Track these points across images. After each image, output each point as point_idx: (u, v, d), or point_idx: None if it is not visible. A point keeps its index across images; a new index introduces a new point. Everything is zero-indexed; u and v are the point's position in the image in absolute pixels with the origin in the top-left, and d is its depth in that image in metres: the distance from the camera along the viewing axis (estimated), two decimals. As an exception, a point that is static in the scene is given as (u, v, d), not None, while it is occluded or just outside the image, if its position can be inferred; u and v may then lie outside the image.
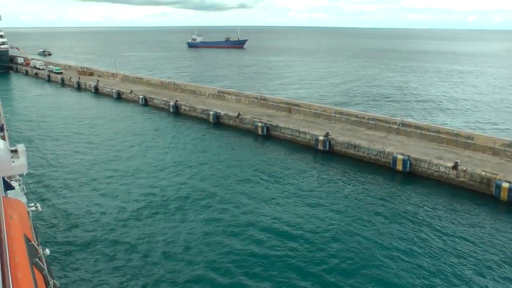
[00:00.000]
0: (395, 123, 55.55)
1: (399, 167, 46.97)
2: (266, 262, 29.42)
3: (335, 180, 45.37)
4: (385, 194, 41.11)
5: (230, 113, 68.16)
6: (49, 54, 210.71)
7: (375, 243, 31.81)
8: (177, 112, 77.92)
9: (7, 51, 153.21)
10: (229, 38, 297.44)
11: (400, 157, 47.00)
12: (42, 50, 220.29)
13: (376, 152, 49.95)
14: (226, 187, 43.48)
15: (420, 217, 36.18)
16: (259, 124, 62.09)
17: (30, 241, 14.53)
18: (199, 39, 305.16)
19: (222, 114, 69.37)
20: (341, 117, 61.12)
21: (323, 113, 63.50)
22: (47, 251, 17.38)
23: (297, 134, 58.04)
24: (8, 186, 20.92)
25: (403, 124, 54.68)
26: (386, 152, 49.01)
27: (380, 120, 57.26)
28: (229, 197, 40.85)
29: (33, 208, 21.55)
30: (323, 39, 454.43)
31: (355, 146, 51.93)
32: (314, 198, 40.29)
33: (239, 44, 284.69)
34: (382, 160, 49.29)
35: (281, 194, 41.32)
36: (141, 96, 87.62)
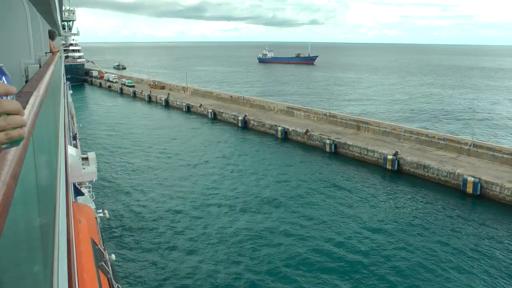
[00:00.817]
0: (466, 143, 53.90)
1: (469, 189, 45.41)
2: (327, 276, 29.21)
3: (403, 200, 44.49)
4: (454, 219, 39.74)
5: (298, 129, 68.19)
6: (124, 68, 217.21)
7: (440, 275, 30.76)
8: (245, 126, 78.67)
9: (83, 64, 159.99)
10: (299, 54, 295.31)
11: (470, 179, 45.50)
12: (117, 64, 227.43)
13: (445, 174, 48.61)
14: (292, 200, 43.73)
15: (491, 247, 34.68)
16: (327, 141, 61.78)
17: (97, 245, 14.95)
18: (270, 55, 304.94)
19: (290, 130, 69.48)
20: (411, 136, 59.86)
21: (392, 131, 62.45)
22: (113, 256, 17.92)
23: (365, 152, 57.32)
24: (78, 192, 21.70)
25: (475, 145, 52.99)
26: (456, 173, 47.60)
27: (451, 140, 55.65)
28: (295, 210, 41.03)
29: (101, 215, 22.31)
30: (394, 55, 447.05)
31: (424, 167, 50.74)
32: (381, 217, 39.67)
33: (309, 60, 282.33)
34: (452, 181, 47.87)
35: (348, 212, 40.92)
36: (210, 110, 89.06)
